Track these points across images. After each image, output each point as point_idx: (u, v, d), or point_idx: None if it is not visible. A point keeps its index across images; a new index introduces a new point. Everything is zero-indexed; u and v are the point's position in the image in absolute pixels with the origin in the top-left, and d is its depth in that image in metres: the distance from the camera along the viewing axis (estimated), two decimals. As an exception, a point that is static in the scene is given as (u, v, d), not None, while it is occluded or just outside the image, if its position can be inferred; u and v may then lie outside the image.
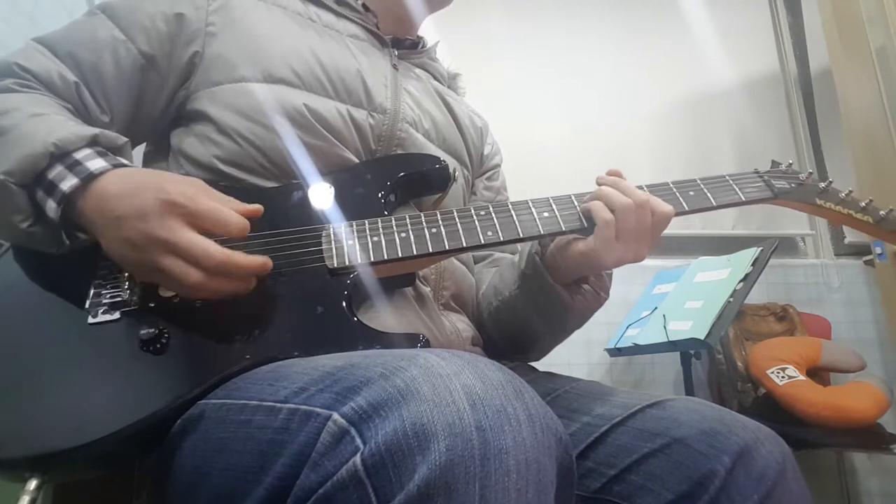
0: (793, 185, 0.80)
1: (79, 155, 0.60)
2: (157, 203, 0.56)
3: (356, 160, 0.77)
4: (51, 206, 0.58)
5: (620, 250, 0.68)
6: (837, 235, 2.45)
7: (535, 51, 2.48)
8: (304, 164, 0.73)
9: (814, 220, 2.48)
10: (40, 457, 0.52)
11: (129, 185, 0.59)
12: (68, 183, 0.58)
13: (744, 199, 0.77)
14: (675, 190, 0.75)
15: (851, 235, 2.42)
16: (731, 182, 0.78)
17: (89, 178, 0.58)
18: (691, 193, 0.75)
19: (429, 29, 0.99)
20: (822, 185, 0.80)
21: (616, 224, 0.68)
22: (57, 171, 0.59)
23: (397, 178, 0.75)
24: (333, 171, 0.74)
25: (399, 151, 0.80)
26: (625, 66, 2.49)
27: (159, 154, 0.78)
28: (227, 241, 0.60)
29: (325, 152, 0.74)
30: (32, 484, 0.52)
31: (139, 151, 0.81)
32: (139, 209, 0.56)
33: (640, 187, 0.73)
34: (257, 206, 0.61)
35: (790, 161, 0.84)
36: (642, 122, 2.45)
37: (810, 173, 0.82)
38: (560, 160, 2.28)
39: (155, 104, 0.75)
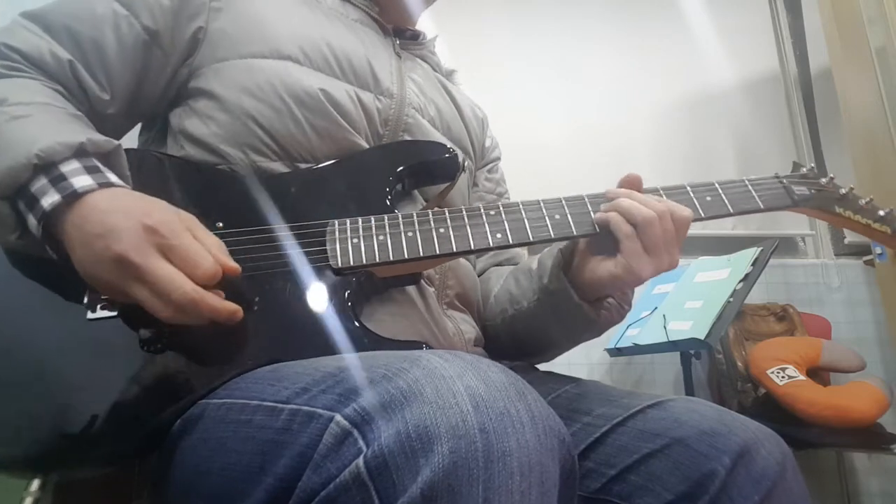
0: (813, 191, 0.77)
1: (64, 168, 0.55)
2: (136, 225, 0.53)
3: (365, 144, 0.75)
4: (31, 222, 0.55)
5: (655, 262, 0.66)
6: (837, 235, 2.45)
7: (535, 51, 2.48)
8: (311, 148, 0.71)
9: (814, 220, 2.48)
10: (41, 457, 0.52)
11: (115, 205, 0.55)
12: (49, 200, 0.54)
13: (762, 206, 0.73)
14: (691, 194, 0.72)
15: (851, 235, 2.42)
16: (749, 187, 0.74)
17: (73, 196, 0.54)
18: (708, 199, 0.72)
19: (428, 28, 0.99)
20: (843, 191, 0.77)
21: (640, 237, 0.65)
22: (40, 184, 0.54)
23: (406, 168, 0.74)
24: (340, 156, 0.72)
25: (406, 137, 0.79)
26: (625, 66, 2.49)
27: (156, 140, 0.76)
28: (228, 237, 0.60)
29: (332, 135, 0.72)
30: (35, 484, 0.53)
31: (135, 133, 0.79)
32: (116, 228, 0.52)
33: (656, 189, 0.72)
34: (236, 267, 0.56)
35: (811, 164, 0.80)
36: (642, 122, 2.45)
37: (831, 178, 0.78)
38: (560, 160, 2.28)
39: (157, 82, 0.73)
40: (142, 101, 0.73)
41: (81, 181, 0.55)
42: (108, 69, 0.69)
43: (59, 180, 0.55)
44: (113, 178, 0.58)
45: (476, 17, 2.37)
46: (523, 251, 0.98)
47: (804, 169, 0.80)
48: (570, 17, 2.53)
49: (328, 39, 0.76)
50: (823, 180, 0.78)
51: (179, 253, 0.53)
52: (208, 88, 0.71)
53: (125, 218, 0.53)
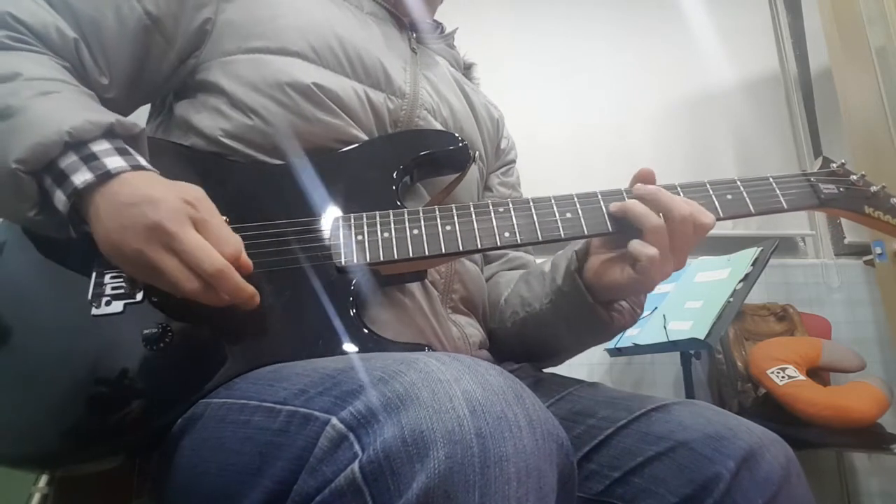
0: (841, 189, 0.72)
1: (95, 147, 0.56)
2: (175, 197, 0.54)
3: None
4: (59, 198, 0.55)
5: (675, 262, 0.65)
6: (837, 235, 2.45)
7: (535, 50, 2.47)
8: (316, 143, 0.70)
9: (814, 220, 2.48)
10: (49, 453, 0.52)
11: (149, 183, 0.56)
12: (81, 178, 0.54)
13: (786, 206, 0.69)
14: (711, 192, 0.69)
15: (851, 235, 2.42)
16: (773, 185, 0.70)
17: (105, 176, 0.54)
18: (728, 197, 0.68)
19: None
20: (874, 188, 0.73)
21: (671, 234, 0.64)
22: (70, 160, 0.54)
23: (415, 158, 0.72)
24: (347, 146, 0.71)
25: None
26: (625, 66, 2.49)
27: (163, 129, 0.75)
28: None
29: (338, 131, 0.71)
30: (43, 480, 0.53)
31: (139, 116, 0.76)
32: (153, 198, 0.53)
33: (673, 186, 0.69)
34: (249, 264, 0.57)
35: (843, 160, 0.76)
36: (642, 121, 2.45)
37: (862, 175, 0.74)
38: (560, 159, 2.28)
39: (158, 69, 0.71)
40: (141, 88, 0.72)
41: (114, 162, 0.56)
42: (107, 52, 0.67)
43: (90, 159, 0.55)
44: (143, 161, 0.59)
45: (477, 16, 2.37)
46: (534, 257, 0.95)
47: (834, 165, 0.75)
48: (571, 17, 2.52)
49: (339, 34, 0.74)
50: (854, 177, 0.74)
51: (212, 229, 0.55)
52: (217, 83, 0.70)
53: (163, 191, 0.54)
